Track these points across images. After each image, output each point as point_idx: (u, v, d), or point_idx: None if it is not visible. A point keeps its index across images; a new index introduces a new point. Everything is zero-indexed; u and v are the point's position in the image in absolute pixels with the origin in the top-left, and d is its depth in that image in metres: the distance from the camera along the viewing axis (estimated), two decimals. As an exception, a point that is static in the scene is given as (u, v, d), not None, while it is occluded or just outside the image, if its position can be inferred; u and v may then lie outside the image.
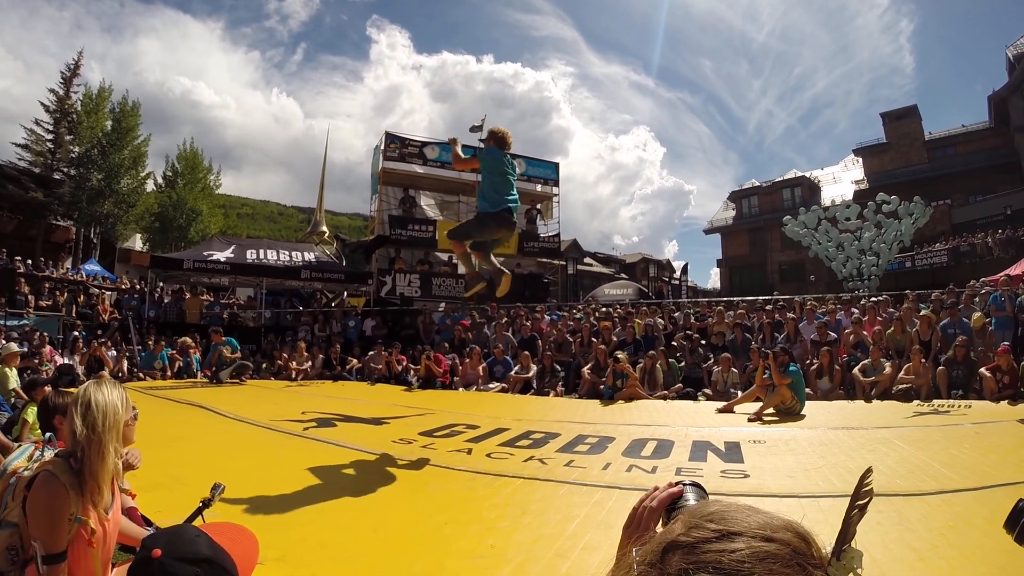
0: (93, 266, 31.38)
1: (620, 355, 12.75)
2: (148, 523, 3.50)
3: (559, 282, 28.72)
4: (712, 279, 55.77)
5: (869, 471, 0.91)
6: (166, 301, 22.70)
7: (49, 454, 2.63)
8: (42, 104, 34.96)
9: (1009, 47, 41.58)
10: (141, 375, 15.47)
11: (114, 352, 16.13)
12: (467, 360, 15.27)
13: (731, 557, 0.76)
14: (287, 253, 24.52)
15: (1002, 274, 17.54)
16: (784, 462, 6.38)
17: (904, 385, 11.06)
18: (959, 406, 9.95)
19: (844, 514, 0.86)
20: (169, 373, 15.96)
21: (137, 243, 44.05)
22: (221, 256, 22.37)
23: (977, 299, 14.14)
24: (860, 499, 0.87)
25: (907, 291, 17.51)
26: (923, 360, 11.33)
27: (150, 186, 42.06)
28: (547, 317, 18.38)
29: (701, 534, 0.82)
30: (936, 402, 10.43)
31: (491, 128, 7.62)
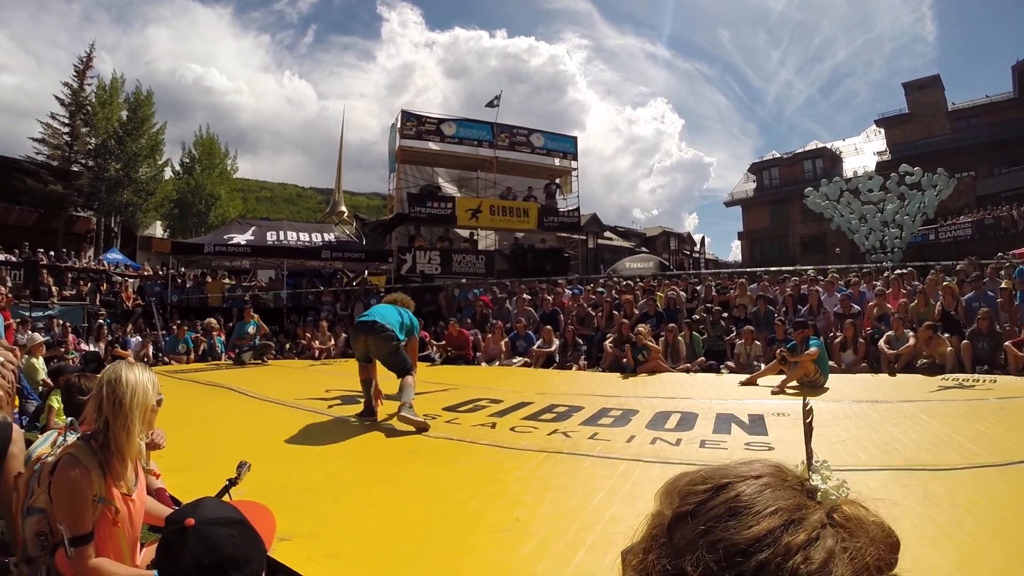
0: (115, 255, 31.59)
1: (642, 328, 12.76)
2: (176, 503, 3.53)
3: (580, 256, 28.63)
4: (733, 252, 55.42)
5: (805, 402, 0.98)
6: (188, 286, 23.00)
7: (72, 438, 2.66)
8: (57, 98, 35.08)
9: None
10: (166, 359, 15.68)
11: (139, 338, 16.33)
12: (489, 335, 15.31)
13: (737, 501, 0.80)
14: (307, 234, 24.71)
15: (1027, 246, 17.35)
16: (808, 435, 6.34)
17: (928, 359, 10.99)
18: (984, 380, 9.87)
19: (805, 437, 0.92)
20: (193, 356, 16.16)
21: (158, 230, 44.40)
22: (241, 239, 22.61)
23: (1002, 272, 13.99)
24: (808, 423, 0.94)
25: (932, 263, 17.36)
26: (935, 335, 11.24)
27: (168, 173, 42.31)
28: (568, 291, 18.40)
29: (697, 499, 0.83)
30: (961, 376, 10.35)
31: None
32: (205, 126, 55.78)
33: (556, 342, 14.46)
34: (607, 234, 54.63)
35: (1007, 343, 10.74)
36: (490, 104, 26.52)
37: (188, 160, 44.65)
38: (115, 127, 36.94)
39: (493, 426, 7.05)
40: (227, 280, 24.04)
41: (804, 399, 1.00)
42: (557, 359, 14.16)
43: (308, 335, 17.23)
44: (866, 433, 6.34)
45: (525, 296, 17.60)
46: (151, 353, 15.86)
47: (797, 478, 0.85)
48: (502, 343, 14.97)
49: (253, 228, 24.07)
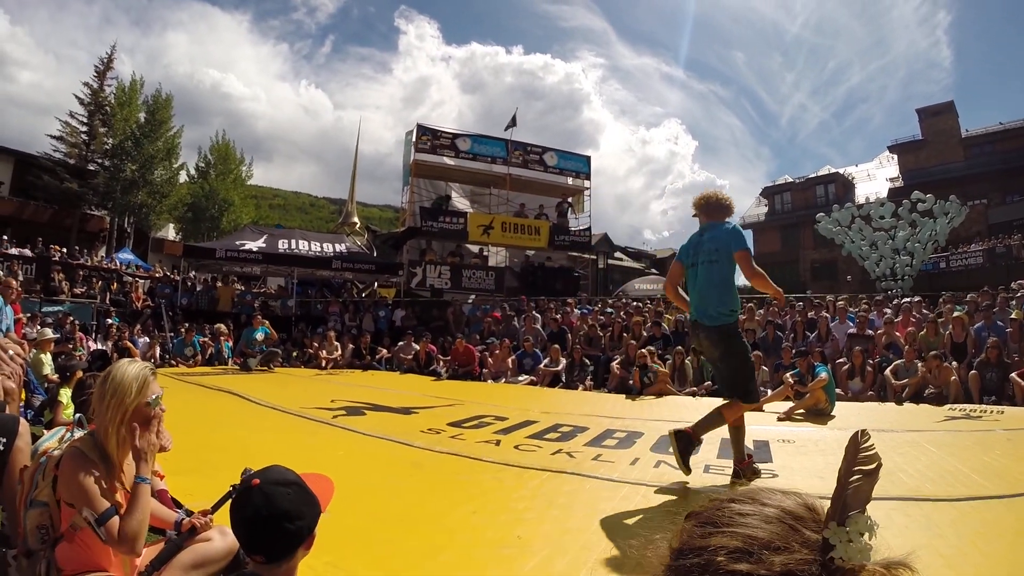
0: (127, 255, 31.83)
1: (648, 350, 12.76)
2: (178, 505, 3.55)
3: (590, 276, 28.65)
4: (741, 277, 55.20)
5: (864, 432, 0.89)
6: (198, 289, 23.06)
7: (79, 435, 2.71)
8: (76, 97, 35.49)
9: None
10: (173, 361, 15.77)
11: (147, 339, 16.45)
12: (496, 352, 15.33)
13: (722, 513, 0.84)
14: (318, 243, 24.75)
15: (1039, 277, 17.31)
16: (813, 462, 6.36)
17: (936, 389, 10.97)
18: (991, 411, 9.84)
19: (838, 478, 0.86)
20: (200, 359, 16.23)
21: (170, 233, 44.72)
22: (253, 246, 22.66)
23: (1013, 302, 13.97)
24: (861, 464, 0.85)
25: (942, 292, 17.33)
26: (942, 363, 11.24)
27: (183, 177, 42.53)
28: (577, 311, 18.40)
29: (711, 503, 0.88)
30: (968, 407, 10.34)
31: (718, 199, 5.75)
32: (221, 132, 55.98)
33: (563, 361, 14.46)
34: (617, 254, 54.63)
35: (1014, 374, 10.71)
36: (509, 125, 26.66)
37: (203, 164, 44.80)
38: (132, 128, 37.25)
39: (497, 443, 7.05)
40: (237, 286, 24.13)
41: (860, 432, 0.89)
42: (564, 378, 14.14)
43: (315, 344, 17.28)
44: (871, 462, 6.29)
45: (533, 314, 17.61)
46: (158, 355, 15.94)
47: (814, 524, 0.82)
48: (509, 360, 14.99)
49: (265, 235, 24.17)
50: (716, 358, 5.70)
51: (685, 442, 5.39)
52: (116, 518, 2.40)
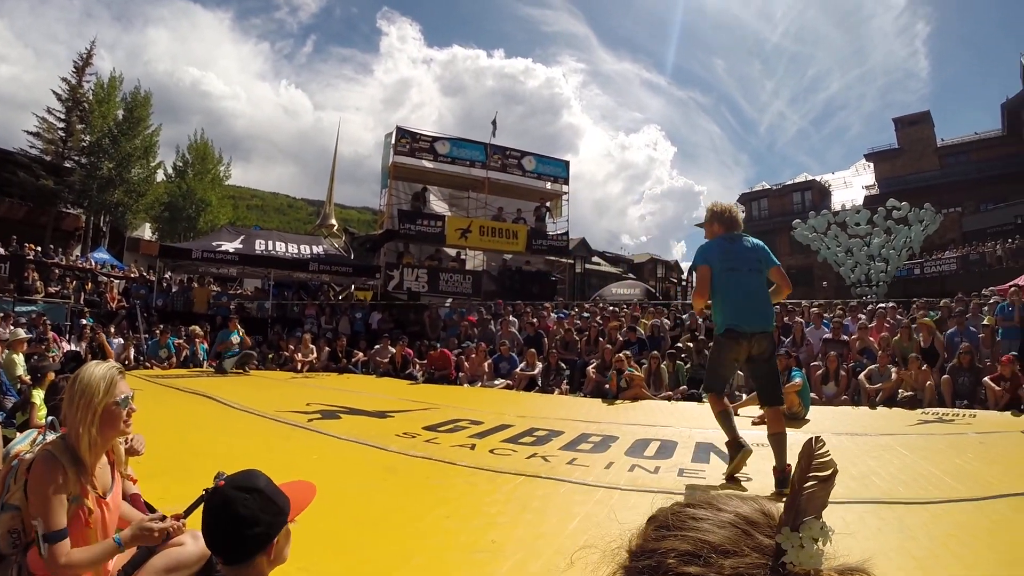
0: (102, 254, 31.50)
1: (624, 355, 12.79)
2: (151, 509, 3.50)
3: (567, 280, 28.67)
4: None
5: (818, 439, 0.88)
6: (174, 290, 22.79)
7: (52, 438, 2.68)
8: (54, 93, 35.00)
9: None
10: (148, 364, 15.58)
11: (121, 340, 16.24)
12: (472, 356, 15.29)
13: (678, 517, 0.84)
14: (295, 245, 24.66)
15: (1011, 284, 17.50)
16: (786, 466, 6.37)
17: (908, 393, 11.08)
18: (963, 415, 9.94)
19: (791, 485, 0.84)
20: (175, 362, 16.05)
21: (146, 232, 44.28)
22: (230, 247, 22.54)
23: (985, 308, 14.11)
24: (816, 471, 0.84)
25: (915, 299, 17.47)
26: (921, 366, 11.37)
27: (160, 176, 42.06)
28: (553, 315, 18.41)
29: (669, 507, 0.88)
30: (940, 410, 10.44)
31: (711, 208, 6.07)
32: (200, 130, 55.62)
33: (539, 365, 14.46)
34: (595, 259, 54.78)
35: (987, 378, 10.84)
36: (493, 132, 26.69)
37: (181, 164, 44.49)
38: (110, 126, 36.77)
39: (472, 447, 7.03)
40: (213, 287, 23.91)
41: (814, 438, 0.89)
42: (540, 382, 14.13)
43: (291, 347, 17.16)
44: (844, 466, 6.32)
45: (510, 318, 17.59)
46: (132, 356, 15.73)
47: (769, 529, 0.82)
48: (485, 364, 14.96)
49: (242, 236, 24.05)
50: (765, 361, 5.76)
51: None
52: (64, 543, 2.37)
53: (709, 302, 5.83)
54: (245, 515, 1.95)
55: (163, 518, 2.62)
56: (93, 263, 28.11)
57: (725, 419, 5.88)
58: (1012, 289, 14.80)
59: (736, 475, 5.78)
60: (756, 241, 5.88)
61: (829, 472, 0.83)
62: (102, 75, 37.77)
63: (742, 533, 0.80)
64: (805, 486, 0.82)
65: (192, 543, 2.71)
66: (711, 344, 6.37)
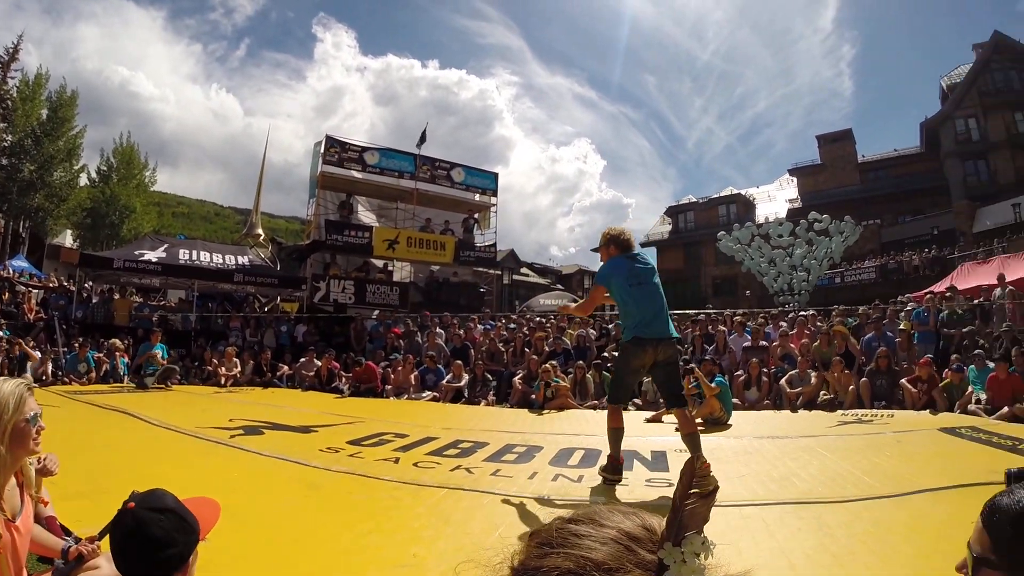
0: (20, 262, 30.01)
1: (550, 365, 12.79)
2: (67, 533, 3.33)
3: (494, 292, 28.68)
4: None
5: (699, 457, 0.88)
6: (94, 301, 21.95)
7: None
8: (-26, 89, 33.38)
9: (944, 77, 44.09)
10: (66, 379, 14.89)
11: (38, 354, 15.55)
12: (399, 368, 15.09)
13: (559, 534, 0.83)
14: (220, 256, 24.04)
15: (926, 291, 18.06)
16: (709, 470, 6.37)
17: (828, 396, 11.30)
18: (882, 415, 10.22)
19: (673, 500, 0.83)
20: (95, 376, 15.40)
21: (68, 239, 42.40)
22: (152, 256, 21.81)
23: (902, 314, 14.49)
24: (697, 487, 0.83)
25: (835, 306, 17.86)
26: (844, 369, 11.64)
27: (83, 180, 40.62)
28: (480, 326, 18.31)
29: (551, 523, 0.87)
30: (859, 412, 10.71)
31: (605, 233, 6.43)
32: (126, 133, 53.15)
33: (466, 377, 14.34)
34: (524, 270, 55.12)
35: (903, 380, 11.17)
36: (420, 142, 26.53)
37: (105, 168, 43.03)
38: (34, 125, 35.36)
39: (396, 461, 6.95)
40: (136, 298, 23.18)
41: (696, 456, 0.91)
42: (466, 394, 14.00)
43: (215, 361, 16.70)
44: (765, 468, 6.41)
45: (437, 330, 17.43)
46: (50, 371, 15.03)
47: (651, 544, 0.81)
48: (411, 376, 14.76)
49: (166, 245, 23.30)
50: (670, 366, 6.09)
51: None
52: None
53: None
54: (160, 536, 1.88)
55: (77, 541, 2.56)
56: (11, 271, 26.93)
57: (616, 437, 6.06)
58: (927, 296, 15.28)
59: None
60: (650, 260, 6.37)
61: (710, 489, 0.84)
62: (28, 71, 36.12)
63: (624, 549, 0.79)
64: (686, 503, 0.82)
65: (107, 566, 2.53)
66: (618, 357, 6.75)
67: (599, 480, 6.00)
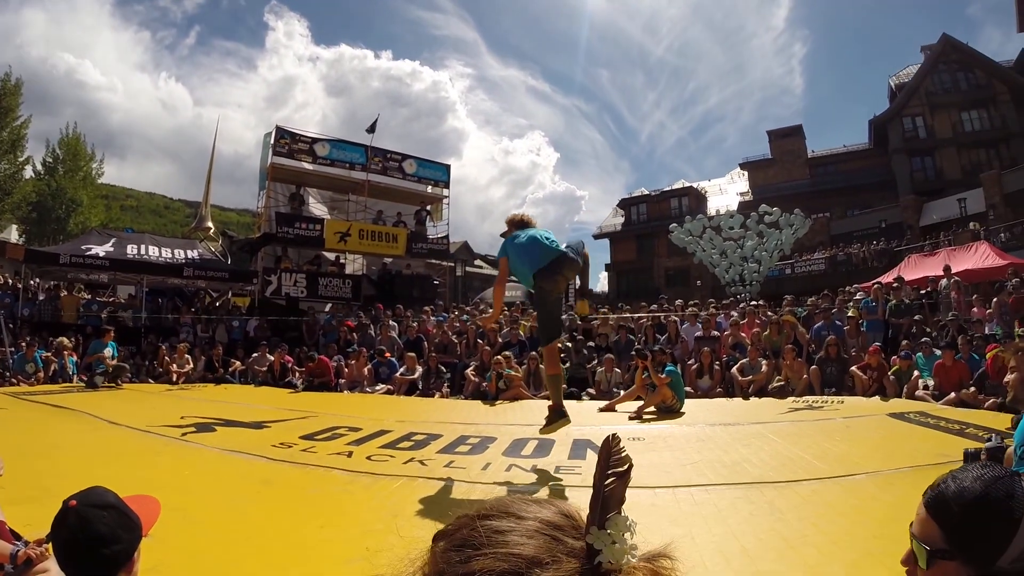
0: (-36, 259, 29.34)
1: (504, 356, 12.78)
2: (17, 537, 3.22)
3: (447, 284, 28.56)
4: (600, 283, 56.75)
5: (615, 436, 0.86)
6: (41, 299, 21.37)
7: None
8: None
9: (892, 77, 45.33)
10: (14, 379, 14.39)
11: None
12: (352, 361, 14.96)
13: (478, 532, 0.78)
14: (169, 250, 23.50)
15: (874, 281, 18.36)
16: (662, 458, 6.45)
17: (779, 383, 11.44)
18: (832, 402, 10.41)
19: (593, 483, 0.83)
20: (43, 376, 14.95)
21: (13, 235, 41.11)
22: (100, 251, 21.13)
23: (851, 304, 14.74)
24: (614, 467, 0.83)
25: (785, 296, 18.08)
26: (796, 357, 11.80)
27: (28, 172, 39.43)
28: (433, 319, 18.22)
29: (461, 521, 0.84)
30: (810, 398, 10.89)
31: (506, 219, 7.22)
32: (72, 124, 51.50)
33: (419, 369, 14.27)
34: (477, 262, 55.09)
35: (854, 367, 11.37)
36: (370, 129, 26.25)
37: (51, 160, 41.60)
38: (-24, 116, 34.01)
39: (350, 455, 6.92)
40: (84, 295, 22.61)
41: (612, 436, 0.87)
42: (420, 386, 13.96)
43: (166, 357, 16.36)
44: (717, 455, 6.47)
45: (390, 323, 17.32)
46: (-3, 372, 14.58)
47: (574, 531, 0.79)
48: (365, 370, 14.63)
49: (113, 240, 22.54)
50: (559, 297, 6.91)
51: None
52: None
53: None
54: (105, 533, 1.87)
55: (26, 544, 2.56)
56: (-45, 269, 26.23)
57: (557, 383, 6.64)
58: (875, 286, 15.54)
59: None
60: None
61: (625, 467, 0.84)
62: (-29, 60, 35.17)
63: (551, 540, 0.77)
64: (606, 484, 0.82)
65: (56, 569, 2.49)
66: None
67: (551, 469, 6.07)
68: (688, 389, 11.33)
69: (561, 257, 6.33)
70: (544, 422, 6.50)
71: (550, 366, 6.66)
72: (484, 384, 12.78)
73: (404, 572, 0.86)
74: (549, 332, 6.72)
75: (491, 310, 8.11)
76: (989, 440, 3.88)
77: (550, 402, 6.58)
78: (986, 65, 39.50)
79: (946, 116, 39.99)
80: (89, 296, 22.88)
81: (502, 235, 6.93)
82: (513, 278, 6.94)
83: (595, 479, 0.83)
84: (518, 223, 6.91)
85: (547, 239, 6.49)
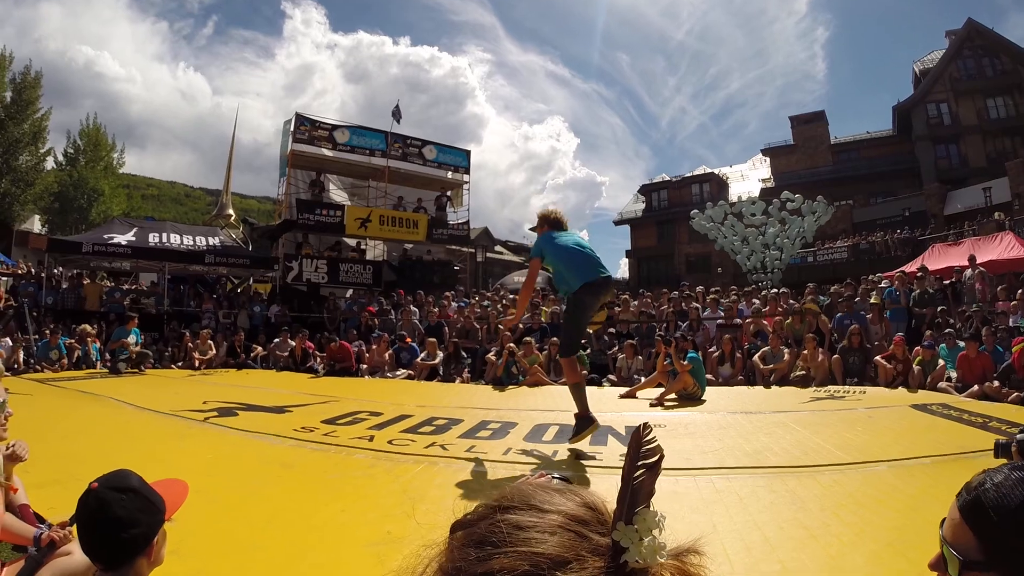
0: (-11, 250, 29.69)
1: (525, 341, 12.79)
2: (41, 520, 3.26)
3: (468, 269, 28.59)
4: (621, 269, 56.60)
5: (646, 425, 0.83)
6: (64, 287, 21.61)
7: None
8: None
9: (916, 62, 44.59)
10: (38, 366, 14.58)
11: (9, 342, 15.25)
12: (373, 347, 15.02)
13: (498, 527, 0.75)
14: (191, 237, 23.63)
15: (897, 271, 18.19)
16: (683, 445, 6.43)
17: (801, 372, 11.38)
18: (854, 392, 10.31)
19: (622, 475, 0.78)
20: (67, 363, 15.12)
21: (36, 225, 41.49)
22: (122, 239, 21.28)
23: (874, 292, 14.61)
24: (644, 459, 0.79)
25: (807, 284, 17.97)
26: (818, 348, 11.71)
27: (50, 163, 39.66)
28: (454, 304, 18.26)
29: (481, 512, 0.81)
30: (832, 388, 10.79)
31: (538, 213, 7.18)
32: (93, 115, 51.72)
33: (440, 354, 14.32)
34: (497, 248, 55.12)
35: (878, 357, 11.27)
36: (396, 115, 26.26)
37: (72, 151, 42.05)
38: (-3, 109, 34.31)
39: (371, 439, 6.90)
40: (106, 282, 22.79)
41: (643, 425, 0.84)
42: (441, 371, 14.01)
43: (188, 343, 16.52)
44: (738, 443, 6.44)
45: (411, 308, 17.37)
46: (22, 359, 14.74)
47: (601, 526, 0.76)
48: (386, 355, 14.70)
49: (135, 228, 22.66)
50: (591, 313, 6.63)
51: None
52: None
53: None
54: (123, 516, 1.90)
55: (50, 527, 2.59)
56: (-22, 259, 26.55)
57: (580, 391, 6.36)
58: (898, 275, 15.40)
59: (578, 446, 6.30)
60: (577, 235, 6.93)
61: (656, 459, 0.80)
62: (-9, 54, 35.37)
63: (576, 536, 0.73)
64: (635, 476, 0.78)
65: (79, 551, 2.54)
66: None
67: (573, 456, 6.08)
68: (709, 376, 11.30)
69: (609, 279, 6.43)
70: (572, 432, 6.34)
71: (570, 376, 6.55)
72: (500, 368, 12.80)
73: (419, 565, 0.82)
74: (573, 345, 6.64)
75: (513, 309, 8.06)
76: (1022, 432, 3.84)
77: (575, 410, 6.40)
78: (1012, 51, 38.77)
79: (971, 103, 39.37)
80: (112, 284, 23.11)
81: (532, 229, 6.85)
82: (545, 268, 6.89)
83: (624, 470, 0.79)
84: (553, 222, 6.83)
85: (593, 252, 6.45)
